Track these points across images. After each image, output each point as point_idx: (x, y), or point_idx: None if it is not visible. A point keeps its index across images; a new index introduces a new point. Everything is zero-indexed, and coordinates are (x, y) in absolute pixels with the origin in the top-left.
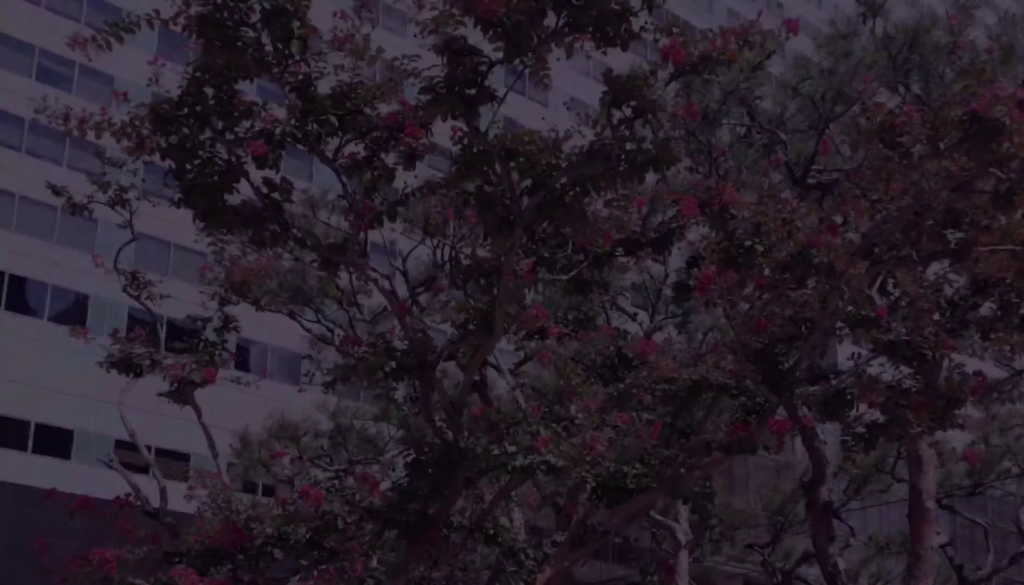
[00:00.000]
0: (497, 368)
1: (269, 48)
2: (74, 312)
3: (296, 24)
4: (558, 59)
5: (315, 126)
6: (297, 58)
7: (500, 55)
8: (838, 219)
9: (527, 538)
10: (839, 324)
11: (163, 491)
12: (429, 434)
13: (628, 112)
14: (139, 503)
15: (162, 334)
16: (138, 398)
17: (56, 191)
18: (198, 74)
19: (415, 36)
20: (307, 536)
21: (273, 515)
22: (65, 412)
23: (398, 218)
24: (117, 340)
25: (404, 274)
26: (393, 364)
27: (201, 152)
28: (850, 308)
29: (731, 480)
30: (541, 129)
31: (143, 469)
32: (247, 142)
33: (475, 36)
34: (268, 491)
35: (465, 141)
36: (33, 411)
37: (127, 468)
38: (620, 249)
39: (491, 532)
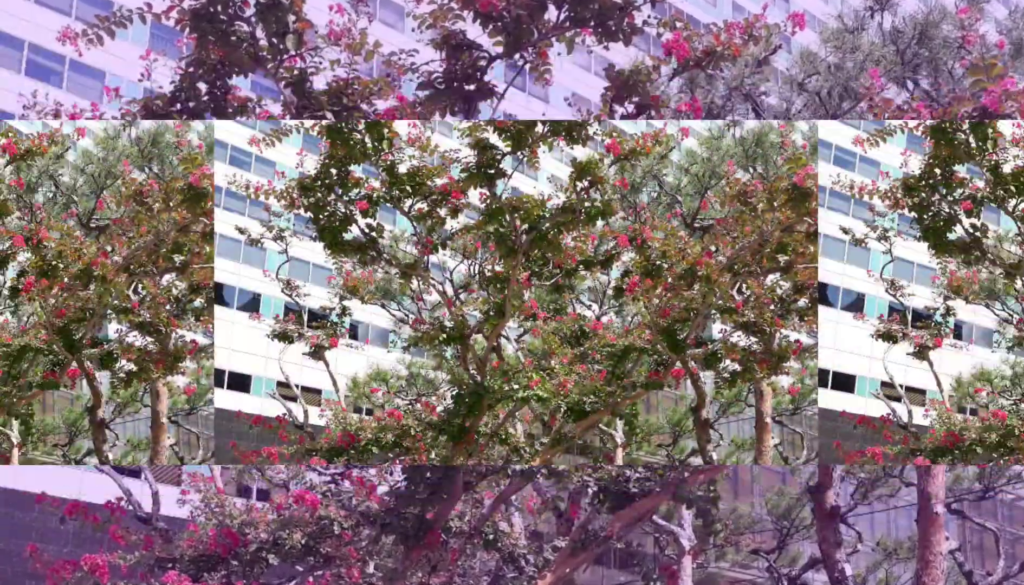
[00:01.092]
0: (507, 338)
1: (264, 43)
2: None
3: (291, 18)
4: (559, 54)
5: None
6: (292, 53)
7: (500, 50)
8: (712, 248)
9: (527, 543)
10: (712, 312)
11: (155, 495)
12: (466, 377)
13: (631, 108)
14: (131, 507)
15: (305, 317)
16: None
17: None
18: (191, 69)
19: (413, 30)
20: (302, 541)
21: (268, 520)
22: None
23: (448, 247)
24: (279, 321)
25: (451, 282)
26: (444, 336)
27: None
28: (719, 302)
29: (736, 484)
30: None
31: (135, 472)
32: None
33: (474, 31)
34: (263, 495)
35: (487, 201)
36: None
37: (118, 471)
38: (581, 266)
39: (491, 537)
